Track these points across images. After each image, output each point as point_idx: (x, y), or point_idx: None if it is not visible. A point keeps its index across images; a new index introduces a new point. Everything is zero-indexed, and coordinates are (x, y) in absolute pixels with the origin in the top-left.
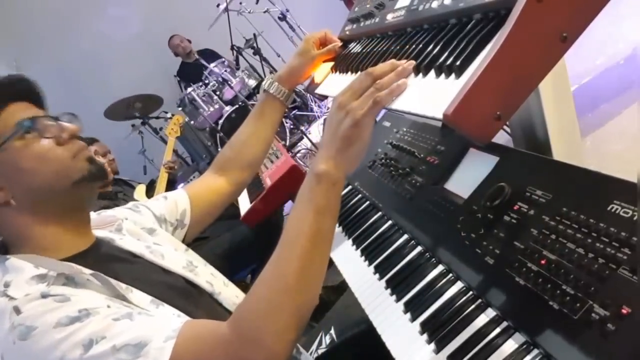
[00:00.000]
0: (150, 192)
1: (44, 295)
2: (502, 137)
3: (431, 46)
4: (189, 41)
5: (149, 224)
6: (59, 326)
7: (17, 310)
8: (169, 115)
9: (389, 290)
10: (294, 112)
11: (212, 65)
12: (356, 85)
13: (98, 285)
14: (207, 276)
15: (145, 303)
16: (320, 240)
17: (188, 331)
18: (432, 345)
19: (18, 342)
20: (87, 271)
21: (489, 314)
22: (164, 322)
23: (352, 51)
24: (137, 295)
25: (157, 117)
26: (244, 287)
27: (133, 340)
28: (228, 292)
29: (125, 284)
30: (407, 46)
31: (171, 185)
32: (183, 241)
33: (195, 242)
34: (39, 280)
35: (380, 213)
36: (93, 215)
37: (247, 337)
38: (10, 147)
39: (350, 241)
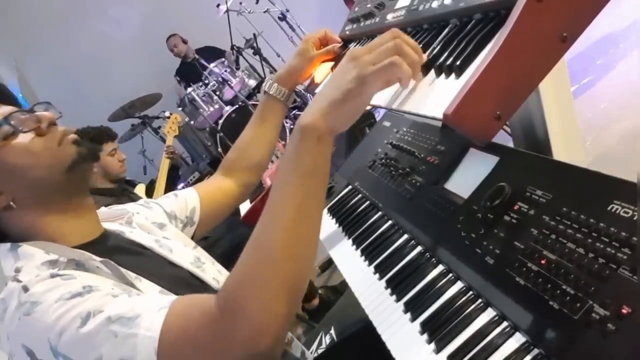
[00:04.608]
0: (150, 191)
1: (53, 275)
2: (502, 137)
3: (431, 46)
4: (185, 42)
5: (160, 219)
6: (60, 300)
7: (25, 289)
8: (167, 114)
9: (389, 290)
10: (294, 112)
11: (212, 65)
12: (376, 41)
13: (107, 273)
14: (214, 273)
15: (154, 293)
16: (307, 204)
17: (180, 303)
18: (432, 345)
19: (22, 318)
20: (97, 258)
21: (489, 313)
22: (160, 297)
23: None
24: (145, 285)
25: (157, 117)
26: None
27: (128, 312)
28: None
29: (135, 273)
30: None
31: (175, 171)
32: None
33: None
34: (50, 266)
35: (380, 213)
36: (104, 209)
37: (230, 312)
38: None
39: (350, 241)
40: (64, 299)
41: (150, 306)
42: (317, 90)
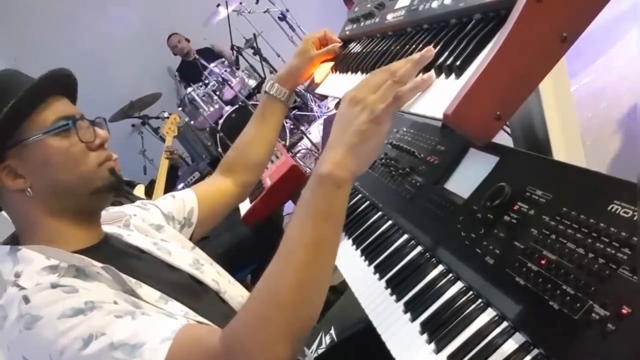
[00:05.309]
0: (150, 192)
1: (54, 286)
2: (502, 137)
3: (431, 46)
4: (188, 40)
5: (157, 221)
6: (62, 317)
7: (25, 300)
8: (165, 114)
9: (389, 290)
10: (294, 112)
11: (212, 65)
12: (371, 80)
13: (108, 279)
14: (213, 274)
15: (154, 298)
16: (320, 250)
17: (184, 335)
18: (432, 345)
19: (23, 332)
20: (98, 264)
21: (489, 313)
22: (164, 323)
23: (352, 51)
24: (146, 290)
25: (157, 117)
26: (245, 288)
27: (131, 339)
28: (234, 292)
29: (135, 279)
30: (407, 46)
31: (174, 171)
32: (189, 240)
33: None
34: (50, 271)
35: (380, 213)
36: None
37: (233, 352)
38: (45, 140)
39: (350, 241)
40: (66, 316)
41: (155, 334)
42: (319, 90)
